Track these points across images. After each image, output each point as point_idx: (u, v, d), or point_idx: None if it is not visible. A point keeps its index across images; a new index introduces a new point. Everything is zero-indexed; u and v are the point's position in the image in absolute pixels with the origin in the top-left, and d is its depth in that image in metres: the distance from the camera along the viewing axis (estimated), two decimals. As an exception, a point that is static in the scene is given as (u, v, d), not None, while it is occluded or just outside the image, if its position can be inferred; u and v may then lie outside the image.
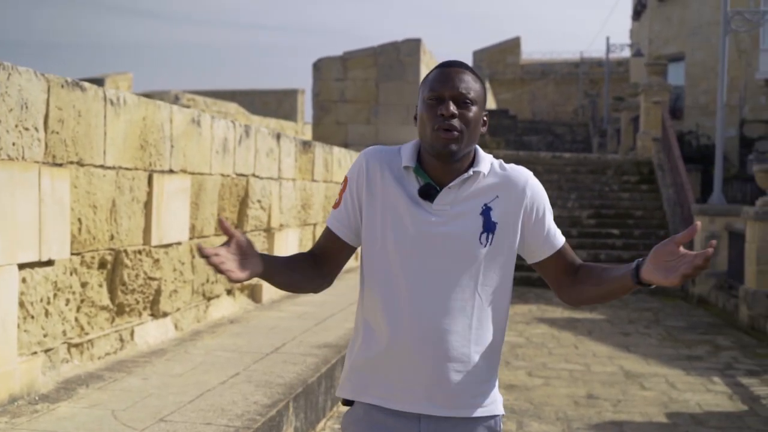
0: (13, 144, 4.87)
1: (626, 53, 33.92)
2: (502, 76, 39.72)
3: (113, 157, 5.98)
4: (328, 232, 2.51)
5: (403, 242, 2.37)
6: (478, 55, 39.73)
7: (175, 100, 23.64)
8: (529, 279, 15.29)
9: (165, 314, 6.90)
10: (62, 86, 5.33)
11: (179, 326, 7.15)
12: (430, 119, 2.34)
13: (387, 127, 18.55)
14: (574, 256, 2.56)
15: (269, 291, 9.12)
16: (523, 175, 2.47)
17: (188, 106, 20.96)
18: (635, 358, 9.37)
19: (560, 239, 2.53)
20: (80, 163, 5.59)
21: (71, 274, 5.58)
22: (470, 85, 2.36)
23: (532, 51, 44.80)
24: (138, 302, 6.46)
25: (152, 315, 6.73)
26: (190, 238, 7.31)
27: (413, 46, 18.06)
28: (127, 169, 6.19)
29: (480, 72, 31.88)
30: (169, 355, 6.30)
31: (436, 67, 2.42)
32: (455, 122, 2.32)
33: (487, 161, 2.45)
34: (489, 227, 2.39)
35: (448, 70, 2.38)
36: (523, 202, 2.44)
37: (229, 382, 5.58)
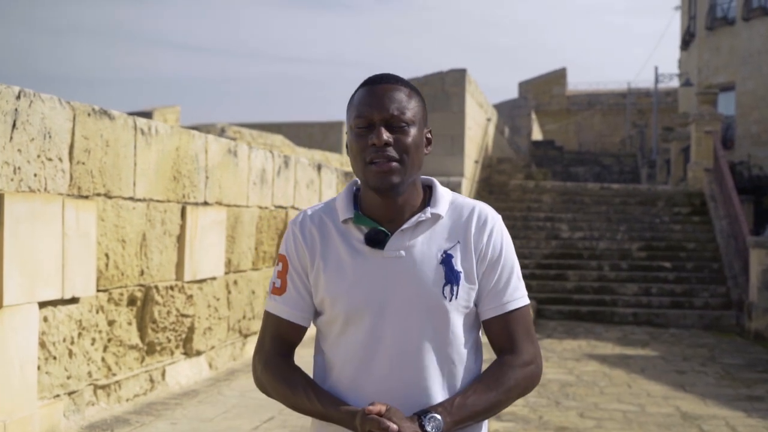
0: (35, 175, 4.59)
1: (675, 83, 33.32)
2: (548, 107, 39.27)
3: (144, 189, 5.68)
4: (283, 324, 2.11)
5: (356, 305, 2.01)
6: (523, 86, 39.35)
7: (221, 132, 23.51)
8: (578, 313, 14.78)
9: (198, 353, 6.56)
10: (89, 114, 5.05)
11: (213, 365, 6.81)
12: (361, 150, 1.98)
13: (432, 157, 18.17)
14: (518, 337, 2.08)
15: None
16: (485, 212, 2.10)
17: (234, 139, 20.83)
18: (692, 398, 8.84)
19: (512, 303, 2.08)
20: (108, 195, 5.29)
21: (97, 311, 5.27)
22: (404, 104, 1.99)
23: (578, 82, 44.51)
24: (170, 340, 6.14)
25: (185, 354, 6.40)
26: (226, 273, 6.99)
27: (458, 76, 17.70)
28: (158, 201, 5.89)
29: (526, 102, 31.48)
30: (201, 397, 5.95)
31: (362, 85, 2.05)
32: (391, 151, 1.96)
33: (445, 200, 2.09)
34: (453, 278, 2.02)
35: (376, 88, 2.00)
36: (479, 245, 2.06)
37: (262, 427, 5.22)
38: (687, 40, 29.66)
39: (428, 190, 2.11)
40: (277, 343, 2.12)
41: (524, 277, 13.95)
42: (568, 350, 11.78)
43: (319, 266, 2.05)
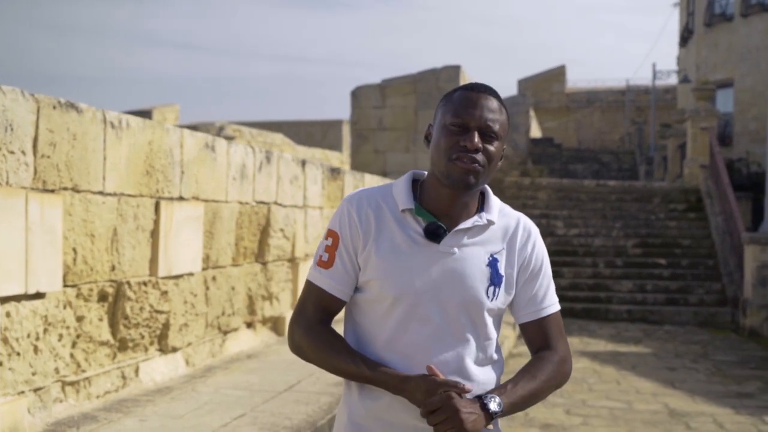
0: (-4, 168, 4.51)
1: (673, 80, 33.18)
2: (547, 104, 39.11)
3: (114, 183, 5.59)
4: (326, 296, 2.26)
5: (407, 290, 2.18)
6: (522, 83, 39.19)
7: (220, 131, 23.43)
8: (572, 310, 14.69)
9: (174, 349, 6.47)
10: (54, 107, 4.96)
11: (191, 362, 6.72)
12: (450, 148, 2.15)
13: (426, 155, 18.09)
14: (553, 337, 2.32)
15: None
16: (528, 226, 2.32)
17: (233, 137, 20.75)
18: (681, 395, 8.75)
19: (548, 309, 2.33)
20: (75, 189, 5.20)
21: (65, 307, 5.18)
22: (497, 116, 2.18)
23: (578, 79, 44.10)
24: (143, 337, 6.05)
25: (160, 350, 6.31)
26: (204, 269, 6.90)
27: (453, 72, 17.62)
28: (130, 195, 5.80)
29: (524, 100, 31.40)
30: (175, 394, 5.87)
31: (462, 89, 2.22)
32: (478, 157, 2.14)
33: (496, 208, 2.29)
34: (496, 281, 2.23)
35: (477, 95, 2.18)
36: (522, 256, 2.28)
37: (231, 424, 5.13)
38: (685, 36, 29.51)
39: (481, 196, 2.29)
40: (318, 311, 2.25)
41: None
42: (559, 347, 11.70)
43: (371, 248, 2.19)
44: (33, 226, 4.79)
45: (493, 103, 2.18)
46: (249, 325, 7.90)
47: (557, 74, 39.99)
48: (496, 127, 2.16)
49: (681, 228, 17.54)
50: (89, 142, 5.29)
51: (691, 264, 16.12)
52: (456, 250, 2.20)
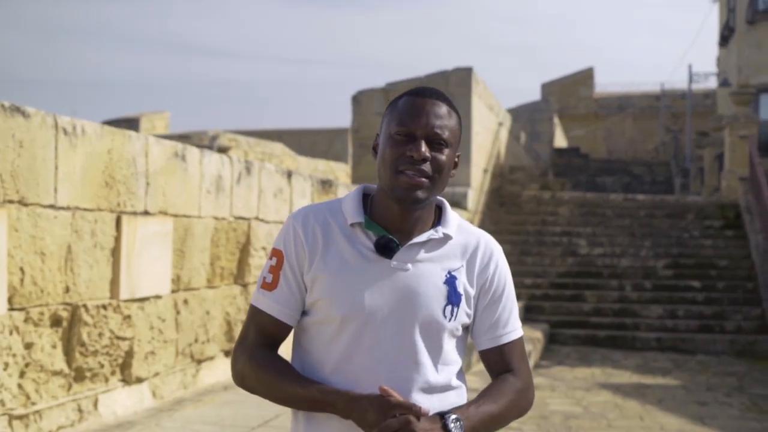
0: (-70, 179, 4.49)
1: (712, 83, 33.06)
2: (573, 110, 38.98)
3: (68, 196, 5.57)
4: (270, 321, 2.25)
5: (357, 310, 2.17)
6: (546, 87, 39.12)
7: (213, 140, 23.44)
8: (595, 338, 14.59)
9: (139, 380, 6.44)
10: (-2, 111, 4.95)
11: (158, 393, 6.68)
12: (396, 159, 2.17)
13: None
14: (516, 364, 2.33)
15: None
16: (491, 245, 2.33)
17: (229, 148, 20.77)
18: (710, 432, 8.66)
19: (511, 335, 2.33)
20: (22, 203, 5.19)
21: (11, 332, 5.16)
22: (446, 122, 2.19)
23: (608, 83, 44.16)
24: (103, 366, 6.02)
25: (123, 381, 6.28)
26: (174, 291, 6.87)
27: (464, 75, 17.55)
28: (87, 209, 5.78)
29: (548, 106, 31.35)
30: (137, 429, 5.82)
31: (407, 95, 2.24)
32: (426, 167, 2.16)
33: (454, 222, 2.30)
34: (454, 300, 2.23)
35: (422, 101, 2.19)
36: (483, 277, 2.29)
37: (193, 463, 5.08)
38: (725, 35, 29.40)
39: (437, 210, 2.30)
40: (262, 337, 2.25)
41: (536, 298, 13.84)
42: (579, 378, 11.61)
43: (318, 266, 2.19)
44: (-27, 243, 4.77)
45: (442, 109, 2.19)
46: (227, 353, 7.86)
47: (585, 77, 39.90)
48: (446, 134, 2.18)
49: (717, 247, 17.42)
50: (38, 150, 5.27)
51: (728, 287, 15.99)
52: (410, 266, 2.20)
